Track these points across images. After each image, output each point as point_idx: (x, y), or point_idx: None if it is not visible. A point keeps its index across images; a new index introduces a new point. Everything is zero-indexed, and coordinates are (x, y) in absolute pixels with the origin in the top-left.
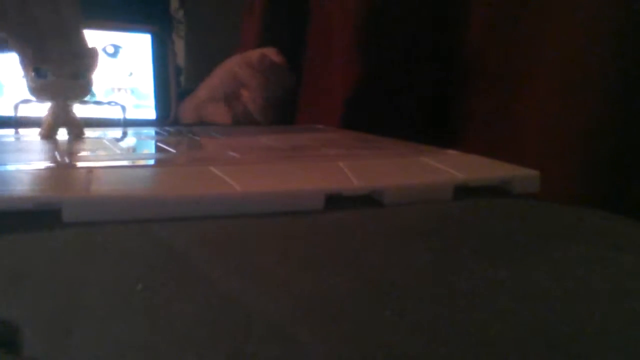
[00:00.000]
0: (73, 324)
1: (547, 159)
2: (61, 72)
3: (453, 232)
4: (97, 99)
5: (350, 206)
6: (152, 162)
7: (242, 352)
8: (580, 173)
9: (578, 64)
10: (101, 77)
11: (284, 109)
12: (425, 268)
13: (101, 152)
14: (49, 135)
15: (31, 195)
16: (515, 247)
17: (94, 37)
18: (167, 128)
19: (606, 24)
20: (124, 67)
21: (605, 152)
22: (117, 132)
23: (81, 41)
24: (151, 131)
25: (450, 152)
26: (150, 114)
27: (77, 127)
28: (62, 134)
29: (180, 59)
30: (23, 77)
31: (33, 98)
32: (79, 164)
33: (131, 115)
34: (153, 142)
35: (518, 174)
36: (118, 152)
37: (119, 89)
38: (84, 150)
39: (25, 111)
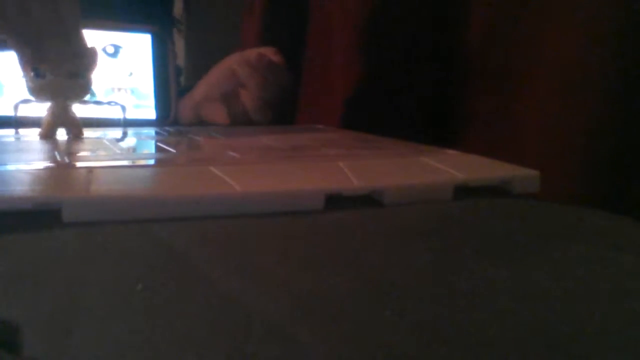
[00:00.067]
0: (73, 324)
1: (547, 159)
2: (60, 72)
3: (453, 232)
4: (97, 99)
5: (350, 206)
6: (152, 162)
7: (242, 352)
8: (580, 173)
9: (578, 64)
10: (101, 77)
11: (282, 109)
12: (425, 268)
13: (101, 152)
14: (48, 135)
15: (31, 195)
16: (515, 247)
17: (94, 37)
18: (167, 128)
19: (606, 24)
20: (124, 67)
21: (605, 152)
22: (117, 132)
23: (80, 41)
24: (151, 131)
25: (450, 152)
26: (150, 114)
27: (76, 127)
28: (62, 134)
29: (180, 59)
30: (22, 77)
31: (32, 98)
32: (79, 164)
33: (131, 115)
34: (153, 142)
35: (518, 174)
36: (118, 152)
37: (119, 89)
38: (84, 150)
39: (25, 111)
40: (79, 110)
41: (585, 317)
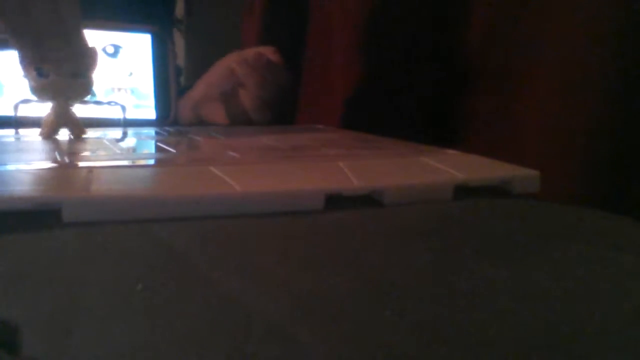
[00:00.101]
0: (73, 324)
1: (547, 159)
2: (63, 72)
3: (453, 232)
4: (97, 99)
5: (350, 206)
6: (152, 162)
7: (242, 352)
8: (580, 173)
9: (578, 64)
10: (101, 77)
11: (282, 109)
12: (425, 268)
13: (101, 152)
14: (50, 134)
15: (31, 195)
16: (515, 247)
17: (94, 37)
18: (167, 128)
19: (606, 24)
20: (124, 67)
21: (605, 152)
22: (117, 132)
23: (81, 40)
24: (151, 131)
25: (450, 152)
26: (150, 114)
27: (77, 127)
28: (62, 134)
29: (180, 59)
30: (24, 76)
31: (34, 98)
32: (79, 164)
33: (131, 115)
34: (153, 142)
35: (518, 174)
36: (118, 152)
37: (119, 89)
38: (84, 150)
39: (25, 111)
40: (79, 110)
41: (585, 317)
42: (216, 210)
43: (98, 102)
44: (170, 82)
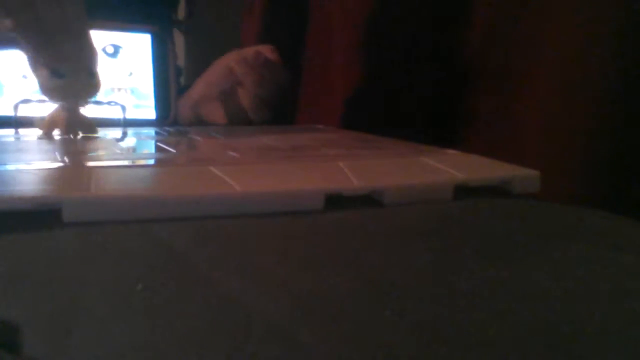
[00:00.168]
0: (73, 324)
1: (547, 159)
2: (78, 72)
3: (453, 232)
4: (97, 99)
5: (350, 206)
6: (152, 162)
7: (242, 352)
8: (580, 173)
9: (578, 64)
10: (101, 77)
11: (282, 108)
12: (425, 268)
13: (101, 152)
14: (67, 133)
15: (31, 195)
16: (515, 247)
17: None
18: (167, 128)
19: (606, 24)
20: (124, 67)
21: (605, 152)
22: (117, 132)
23: (90, 40)
24: (151, 131)
25: (450, 152)
26: (150, 114)
27: (89, 127)
28: (58, 134)
29: (180, 59)
30: (36, 76)
31: (46, 98)
32: (79, 164)
33: (131, 115)
34: (153, 142)
35: (518, 174)
36: (118, 152)
37: (119, 89)
38: (84, 150)
39: (25, 111)
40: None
41: (585, 317)
42: (216, 210)
43: (98, 102)
44: (170, 82)
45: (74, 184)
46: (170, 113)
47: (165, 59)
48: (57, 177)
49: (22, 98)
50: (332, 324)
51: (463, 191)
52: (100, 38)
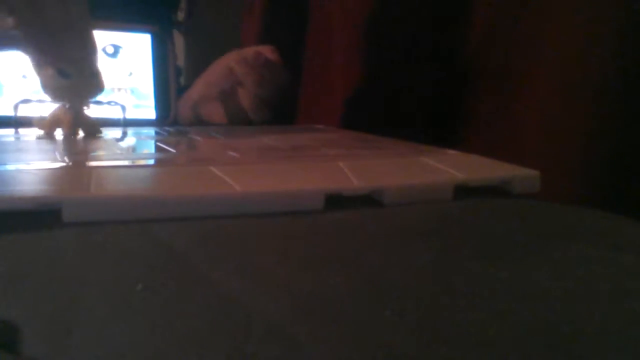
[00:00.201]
0: (73, 324)
1: (547, 159)
2: (84, 72)
3: (453, 232)
4: (97, 99)
5: (350, 206)
6: (152, 162)
7: (242, 352)
8: (580, 173)
9: (578, 64)
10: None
11: (281, 108)
12: (425, 268)
13: (101, 152)
14: (70, 134)
15: (31, 195)
16: (515, 247)
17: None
18: (167, 128)
19: (606, 24)
20: (124, 67)
21: (605, 152)
22: (117, 132)
23: (94, 40)
24: (151, 131)
25: (450, 152)
26: (150, 114)
27: (93, 127)
28: (60, 134)
29: (180, 59)
30: (40, 75)
31: (49, 98)
32: (79, 164)
33: (131, 115)
34: (153, 142)
35: (518, 174)
36: (118, 152)
37: (119, 89)
38: (84, 150)
39: (25, 111)
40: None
41: (585, 317)
42: (216, 210)
43: (98, 102)
44: (170, 82)
45: (74, 184)
46: (170, 113)
47: (165, 59)
48: (57, 177)
49: (22, 98)
50: (332, 324)
51: (463, 191)
52: (100, 38)
